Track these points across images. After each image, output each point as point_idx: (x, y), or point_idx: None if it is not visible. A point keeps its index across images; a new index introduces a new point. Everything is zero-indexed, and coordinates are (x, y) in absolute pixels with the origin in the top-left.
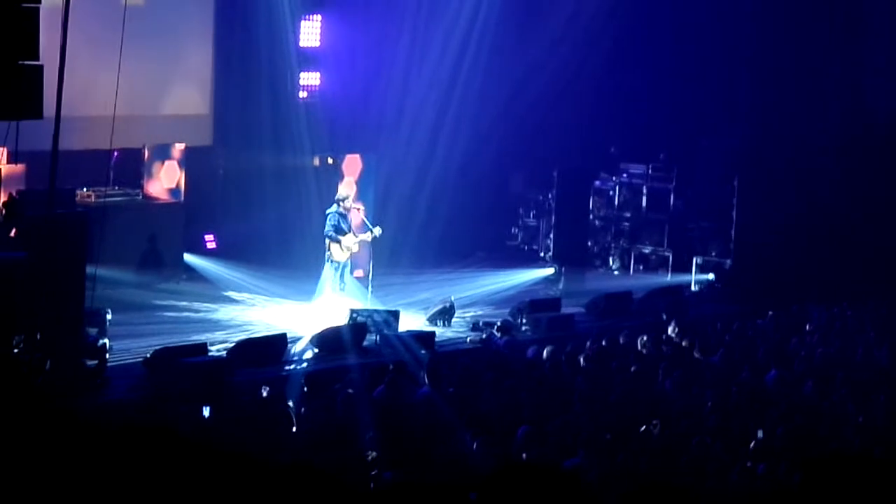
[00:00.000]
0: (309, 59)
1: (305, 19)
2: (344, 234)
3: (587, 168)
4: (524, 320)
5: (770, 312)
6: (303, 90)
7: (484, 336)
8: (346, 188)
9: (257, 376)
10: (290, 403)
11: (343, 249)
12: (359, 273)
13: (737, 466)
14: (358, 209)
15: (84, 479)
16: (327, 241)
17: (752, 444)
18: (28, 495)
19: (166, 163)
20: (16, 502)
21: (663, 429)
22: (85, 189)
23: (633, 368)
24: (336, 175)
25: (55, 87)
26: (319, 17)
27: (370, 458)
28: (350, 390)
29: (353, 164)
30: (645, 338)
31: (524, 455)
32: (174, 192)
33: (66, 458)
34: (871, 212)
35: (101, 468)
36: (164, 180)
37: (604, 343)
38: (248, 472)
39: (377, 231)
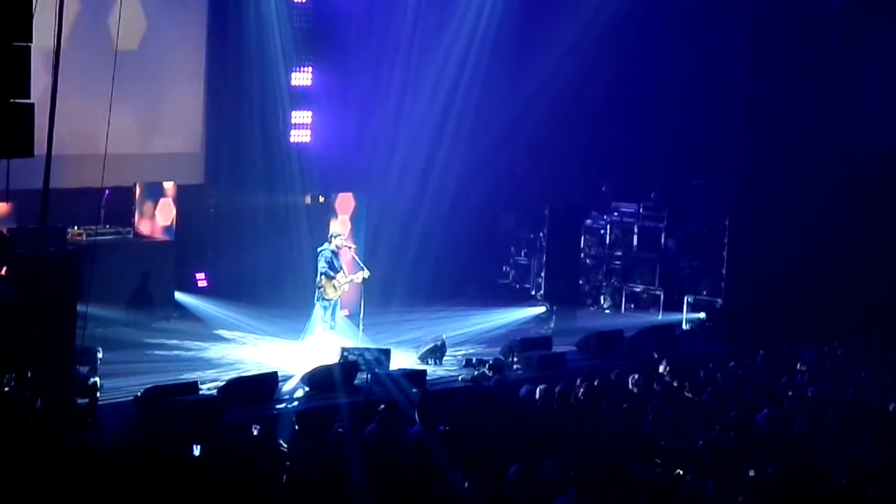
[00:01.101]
0: (300, 98)
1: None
2: (337, 272)
3: (578, 207)
4: (515, 359)
5: (761, 351)
6: (294, 128)
7: (476, 373)
8: (341, 226)
9: (248, 415)
10: (282, 442)
11: (336, 288)
12: (344, 312)
13: None
14: (349, 248)
15: None
16: (322, 278)
17: (743, 483)
18: None
19: (161, 200)
20: None
21: (654, 467)
22: (76, 227)
23: (623, 406)
24: (328, 213)
25: (46, 126)
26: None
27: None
28: (341, 429)
29: (346, 203)
30: (636, 376)
31: (516, 494)
32: (169, 229)
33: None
34: (863, 251)
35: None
36: (160, 218)
37: (595, 382)
38: None
39: (365, 273)
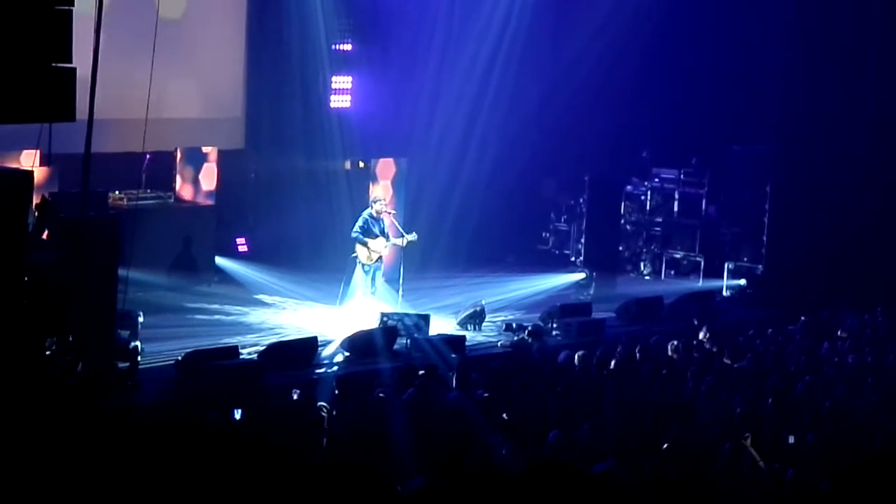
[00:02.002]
0: (341, 64)
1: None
2: (373, 237)
3: (619, 173)
4: (555, 325)
5: (801, 318)
6: (335, 93)
7: (515, 339)
8: (382, 192)
9: (288, 379)
10: (321, 406)
11: (370, 252)
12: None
13: (766, 472)
14: (389, 213)
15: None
16: (355, 243)
17: (783, 451)
18: (62, 492)
19: (205, 165)
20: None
21: (693, 434)
22: (117, 192)
23: (663, 373)
24: (367, 178)
25: (88, 90)
26: (351, 20)
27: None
28: (381, 394)
29: (387, 168)
30: (676, 343)
31: (556, 459)
32: (209, 194)
33: (98, 454)
34: None
35: (132, 464)
36: (203, 183)
37: (635, 348)
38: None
39: (412, 237)
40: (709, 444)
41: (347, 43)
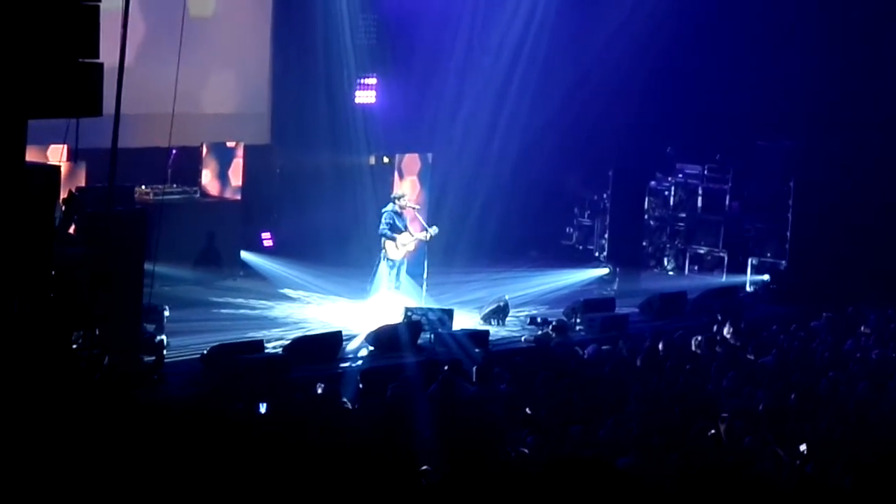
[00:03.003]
0: (366, 59)
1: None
2: (399, 232)
3: (643, 168)
4: (578, 320)
5: (825, 314)
6: (360, 89)
7: (539, 334)
8: (409, 187)
9: (313, 373)
10: (346, 400)
11: (398, 248)
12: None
13: (789, 467)
14: (414, 208)
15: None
16: (383, 239)
17: (805, 446)
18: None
19: (231, 161)
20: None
21: (716, 429)
22: (143, 186)
23: (686, 368)
24: (391, 173)
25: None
26: (376, 15)
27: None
28: (404, 388)
29: (412, 163)
30: (699, 338)
31: (577, 454)
32: (235, 189)
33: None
34: None
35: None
36: (229, 178)
37: (658, 344)
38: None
39: (434, 231)
40: (732, 438)
41: (372, 39)
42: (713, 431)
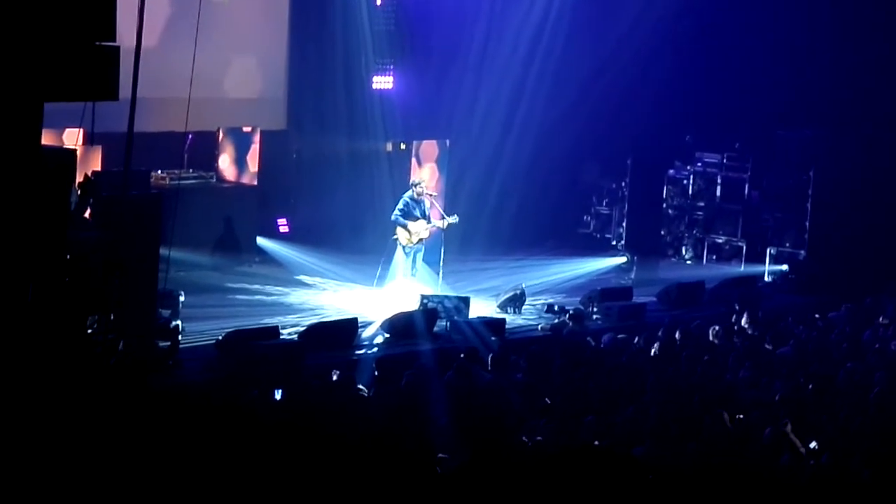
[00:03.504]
0: (384, 44)
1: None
2: (414, 219)
3: (661, 157)
4: (595, 309)
5: (844, 304)
6: (377, 75)
7: (555, 322)
8: (428, 173)
9: (328, 360)
10: (361, 387)
11: (410, 234)
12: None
13: (808, 458)
14: (431, 195)
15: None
16: (395, 225)
17: (823, 437)
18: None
19: (247, 146)
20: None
21: (733, 419)
22: (160, 171)
23: (704, 358)
24: (408, 160)
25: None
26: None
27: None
28: (420, 375)
29: (430, 150)
30: (717, 328)
31: (592, 443)
32: (254, 175)
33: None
34: None
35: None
36: (245, 163)
37: (675, 333)
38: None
39: (452, 219)
40: (749, 428)
41: (391, 25)
42: (741, 416)
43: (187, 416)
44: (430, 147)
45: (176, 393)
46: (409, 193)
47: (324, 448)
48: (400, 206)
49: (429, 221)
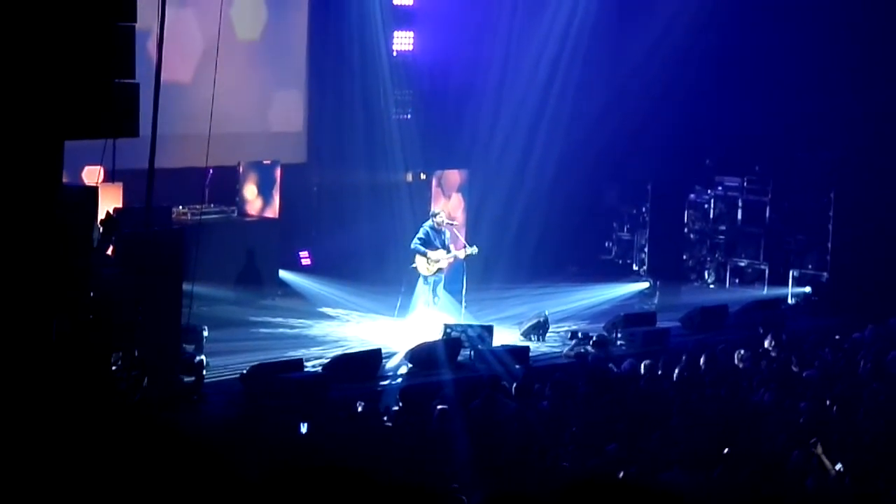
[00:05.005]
0: (402, 76)
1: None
2: (433, 248)
3: (682, 181)
4: (619, 335)
5: (868, 325)
6: (396, 105)
7: (580, 350)
8: (455, 203)
9: (353, 391)
10: (386, 418)
11: (429, 264)
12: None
13: (834, 480)
14: (452, 224)
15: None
16: (414, 254)
17: (848, 459)
18: None
19: (268, 179)
20: None
21: (760, 443)
22: (181, 206)
23: (729, 382)
24: (428, 189)
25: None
26: (411, 33)
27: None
28: (445, 405)
29: (454, 179)
30: (742, 352)
31: (618, 470)
32: (275, 208)
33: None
34: None
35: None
36: (266, 197)
37: (700, 357)
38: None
39: (473, 250)
40: (776, 452)
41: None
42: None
43: (211, 453)
44: (453, 176)
45: (201, 427)
46: (428, 223)
47: (350, 484)
48: (420, 234)
49: (448, 252)
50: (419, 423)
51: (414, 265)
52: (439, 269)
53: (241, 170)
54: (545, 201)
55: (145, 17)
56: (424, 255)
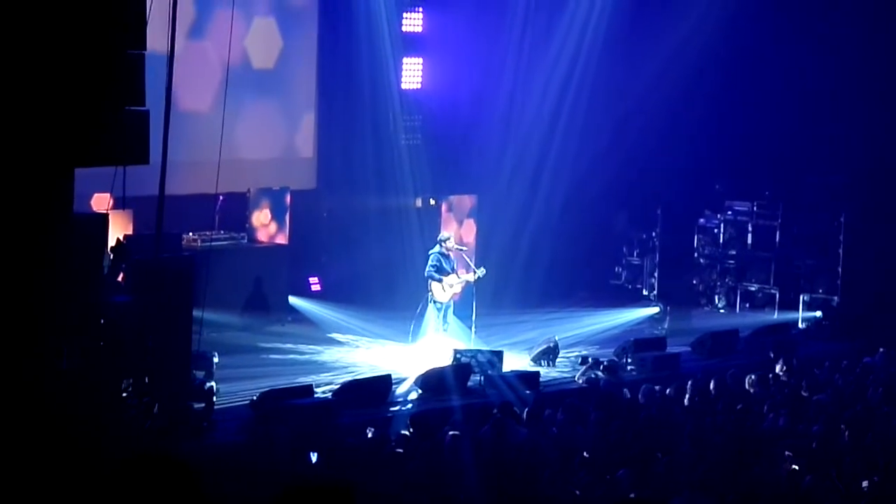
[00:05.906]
0: (411, 102)
1: (407, 67)
2: (446, 274)
3: (691, 206)
4: (629, 360)
5: (880, 349)
6: (406, 130)
7: (593, 376)
8: (467, 228)
9: (363, 417)
10: (396, 444)
11: (445, 290)
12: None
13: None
14: (461, 249)
15: None
16: (429, 281)
17: (864, 484)
18: None
19: (281, 206)
20: None
21: (772, 468)
22: (191, 233)
23: (739, 407)
24: (438, 215)
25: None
26: (420, 59)
27: None
28: (455, 431)
29: (465, 204)
30: (752, 377)
31: (629, 496)
32: (285, 234)
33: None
34: None
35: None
36: (276, 223)
37: (711, 382)
38: None
39: (481, 272)
40: (788, 477)
41: (417, 73)
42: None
43: (221, 480)
44: (464, 201)
45: (211, 454)
46: (437, 249)
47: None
48: (432, 261)
49: (458, 276)
50: (430, 448)
51: (430, 292)
52: (454, 294)
53: (251, 196)
54: (555, 226)
55: (160, 43)
56: (440, 281)
